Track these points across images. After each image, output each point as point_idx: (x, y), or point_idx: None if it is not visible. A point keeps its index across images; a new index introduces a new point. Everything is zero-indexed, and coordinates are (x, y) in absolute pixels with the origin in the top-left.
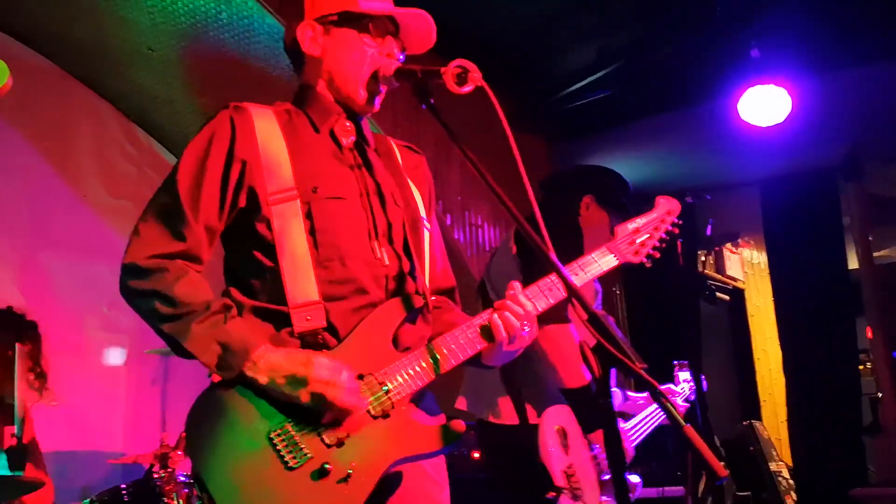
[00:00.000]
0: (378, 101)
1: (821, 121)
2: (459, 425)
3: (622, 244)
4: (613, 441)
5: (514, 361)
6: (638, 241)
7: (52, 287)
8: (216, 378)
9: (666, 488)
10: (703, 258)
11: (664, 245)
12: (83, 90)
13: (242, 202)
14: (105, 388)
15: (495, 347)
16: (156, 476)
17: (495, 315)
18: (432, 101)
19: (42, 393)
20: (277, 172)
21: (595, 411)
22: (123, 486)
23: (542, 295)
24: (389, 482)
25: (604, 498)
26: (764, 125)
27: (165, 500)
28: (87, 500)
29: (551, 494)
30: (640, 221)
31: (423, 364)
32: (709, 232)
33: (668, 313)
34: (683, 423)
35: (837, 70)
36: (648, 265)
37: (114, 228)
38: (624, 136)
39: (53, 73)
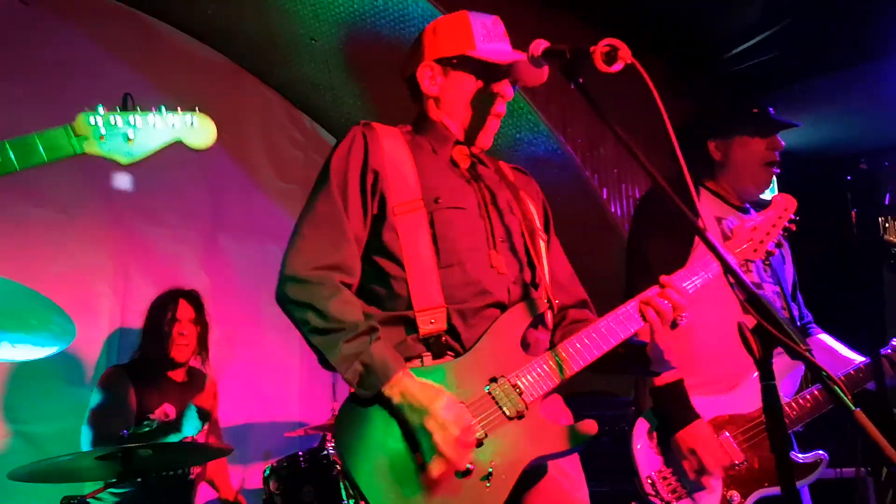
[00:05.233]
0: (491, 137)
1: None
2: (591, 426)
3: (742, 243)
4: (777, 425)
5: None
6: (757, 239)
7: (231, 266)
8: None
9: (843, 469)
10: (885, 224)
11: (783, 242)
12: (252, 81)
13: (375, 209)
14: (280, 361)
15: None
16: (329, 445)
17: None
18: (581, 80)
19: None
20: (404, 182)
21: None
22: (301, 453)
23: (692, 277)
24: (527, 479)
25: (733, 493)
26: None
27: (338, 467)
28: (270, 465)
29: None
30: (757, 220)
31: (552, 365)
32: (887, 200)
33: (846, 283)
34: (854, 408)
35: None
36: (766, 261)
37: (283, 211)
38: (792, 98)
39: (225, 66)
